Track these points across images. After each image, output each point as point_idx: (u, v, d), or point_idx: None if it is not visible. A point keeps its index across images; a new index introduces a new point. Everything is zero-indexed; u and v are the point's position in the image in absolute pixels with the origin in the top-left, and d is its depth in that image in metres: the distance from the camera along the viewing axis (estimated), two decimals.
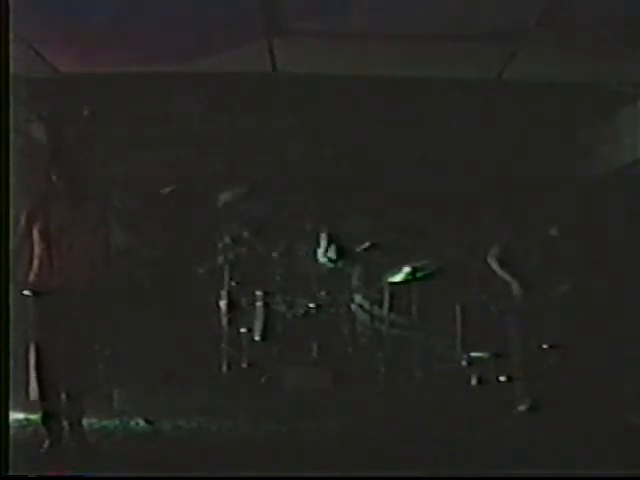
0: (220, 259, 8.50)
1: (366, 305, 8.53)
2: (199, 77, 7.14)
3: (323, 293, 8.28)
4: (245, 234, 8.72)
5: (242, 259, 8.52)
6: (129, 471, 4.84)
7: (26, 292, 5.41)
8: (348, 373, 7.80)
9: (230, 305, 8.16)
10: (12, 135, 4.72)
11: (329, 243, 8.42)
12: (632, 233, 7.40)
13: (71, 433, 5.46)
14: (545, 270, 7.06)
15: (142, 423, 6.41)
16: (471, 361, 7.67)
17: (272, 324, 8.11)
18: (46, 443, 5.36)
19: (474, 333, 7.89)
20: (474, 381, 7.53)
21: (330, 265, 8.43)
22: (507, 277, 7.12)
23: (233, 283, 8.28)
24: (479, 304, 7.86)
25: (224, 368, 7.93)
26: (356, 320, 8.41)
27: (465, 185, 8.35)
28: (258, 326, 8.07)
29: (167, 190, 8.18)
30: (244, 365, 7.96)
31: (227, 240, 8.69)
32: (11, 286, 4.65)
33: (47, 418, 5.44)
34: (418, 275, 8.07)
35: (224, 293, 8.21)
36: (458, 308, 8.09)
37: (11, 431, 4.67)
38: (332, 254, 8.40)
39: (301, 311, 8.20)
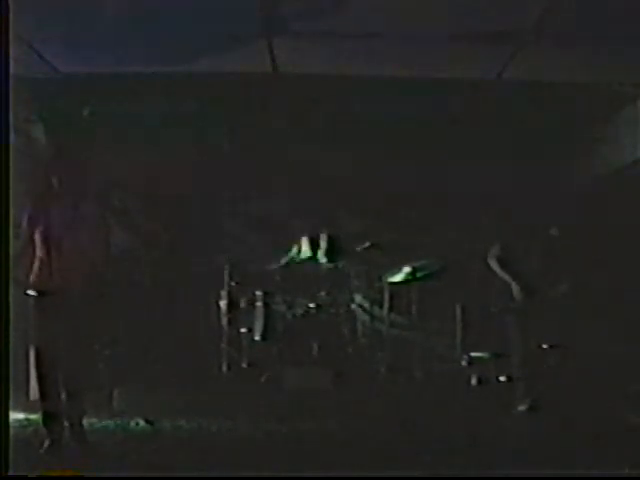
0: (220, 259, 8.51)
1: (366, 305, 8.53)
2: (199, 77, 7.14)
3: (323, 293, 8.29)
4: (245, 234, 8.74)
5: (242, 259, 8.53)
6: (129, 471, 4.84)
7: (26, 292, 5.41)
8: (348, 373, 7.79)
9: (230, 305, 8.17)
10: (12, 135, 4.72)
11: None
12: (632, 233, 7.40)
13: (71, 433, 5.45)
14: (545, 270, 7.06)
15: (142, 423, 6.41)
16: (471, 361, 7.67)
17: (272, 324, 8.11)
18: (46, 443, 5.36)
19: (474, 333, 7.90)
20: (474, 381, 7.53)
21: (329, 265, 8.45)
22: (507, 277, 7.12)
23: (233, 283, 8.28)
24: (479, 304, 7.87)
25: (224, 368, 7.94)
26: (356, 320, 8.42)
27: (465, 185, 8.36)
28: (258, 326, 8.07)
29: (167, 190, 8.19)
30: (244, 365, 7.97)
31: (227, 240, 8.71)
32: (11, 286, 4.66)
33: (47, 418, 5.43)
34: (418, 275, 8.07)
35: (224, 293, 8.22)
36: (458, 308, 8.10)
37: (11, 431, 4.68)
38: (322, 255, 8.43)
39: (301, 311, 8.20)
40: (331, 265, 8.47)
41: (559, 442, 5.73)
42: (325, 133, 8.12)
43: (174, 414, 6.54)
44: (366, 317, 8.52)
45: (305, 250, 8.40)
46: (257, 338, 8.05)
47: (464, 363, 7.73)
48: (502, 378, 7.25)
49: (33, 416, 6.03)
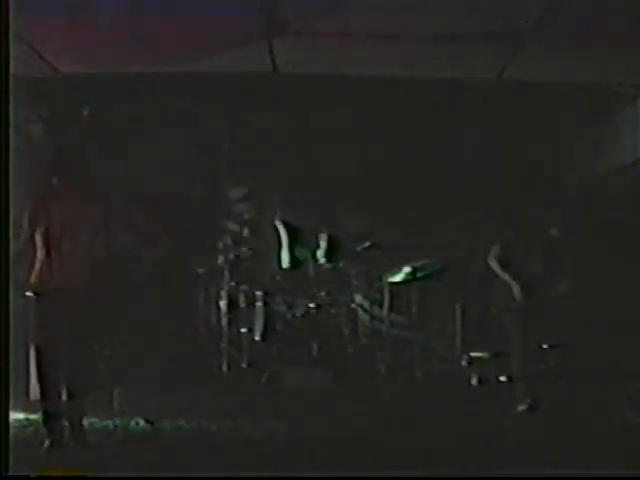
0: (220, 259, 8.51)
1: (366, 305, 8.53)
2: (199, 77, 7.14)
3: (323, 293, 8.29)
4: (245, 234, 8.74)
5: (242, 259, 8.53)
6: (129, 471, 4.84)
7: (27, 293, 5.41)
8: (348, 373, 7.80)
9: (230, 305, 8.17)
10: (12, 135, 4.72)
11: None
12: (632, 233, 7.40)
13: (71, 433, 5.45)
14: (545, 270, 7.06)
15: (142, 423, 6.41)
16: (471, 361, 7.67)
17: (272, 324, 8.11)
18: (46, 443, 5.36)
19: (474, 333, 7.90)
20: (474, 381, 7.53)
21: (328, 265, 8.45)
22: (507, 277, 7.12)
23: (233, 283, 8.28)
24: (479, 304, 7.86)
25: (224, 368, 7.93)
26: (356, 320, 8.41)
27: (465, 185, 8.36)
28: (258, 326, 8.07)
29: (167, 190, 8.19)
30: (244, 365, 7.96)
31: (227, 240, 8.71)
32: (11, 287, 4.66)
33: (47, 418, 5.43)
34: (418, 275, 8.07)
35: (224, 293, 8.21)
36: (458, 308, 8.10)
37: (11, 431, 4.68)
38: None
39: (301, 311, 8.20)
40: (331, 265, 8.47)
41: (559, 442, 5.73)
42: (325, 133, 8.12)
43: (174, 414, 6.54)
44: (366, 317, 8.52)
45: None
46: (257, 338, 8.04)
47: (464, 363, 7.72)
48: (502, 378, 7.24)
49: (33, 416, 6.03)
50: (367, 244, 8.31)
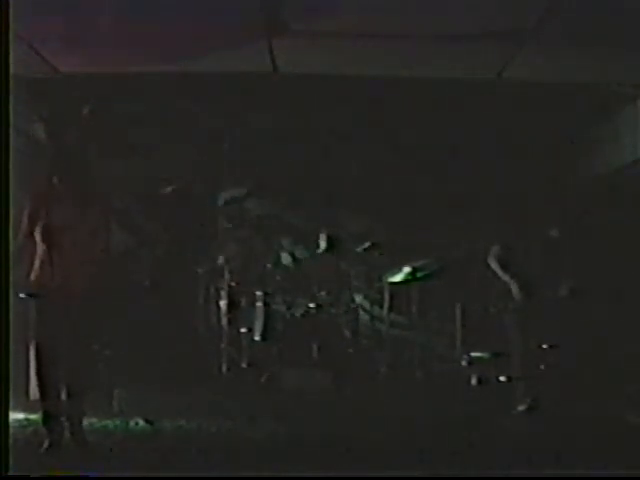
0: (220, 259, 8.51)
1: (366, 305, 8.53)
2: (199, 77, 7.14)
3: (323, 293, 8.29)
4: (245, 234, 8.74)
5: (242, 259, 8.53)
6: (129, 471, 4.84)
7: (26, 293, 5.40)
8: (348, 373, 7.79)
9: (230, 305, 8.16)
10: (12, 135, 4.72)
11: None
12: (632, 233, 7.40)
13: (71, 433, 5.45)
14: (545, 270, 7.06)
15: (142, 423, 6.41)
16: (471, 361, 7.67)
17: (272, 324, 8.10)
18: (46, 443, 5.36)
19: (474, 333, 7.90)
20: (474, 381, 7.53)
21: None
22: (507, 277, 7.12)
23: (233, 283, 8.28)
24: (479, 304, 7.86)
25: (224, 368, 7.93)
26: (356, 320, 8.41)
27: (465, 185, 8.36)
28: (258, 326, 8.06)
29: (167, 190, 8.18)
30: (244, 365, 7.96)
31: (227, 240, 8.70)
32: (11, 287, 4.66)
33: (47, 418, 5.43)
34: (418, 275, 8.07)
35: (224, 293, 8.21)
36: (458, 308, 8.10)
37: (11, 431, 4.68)
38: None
39: (301, 311, 8.20)
40: (331, 265, 8.47)
41: (559, 442, 5.73)
42: (325, 133, 8.12)
43: (174, 414, 6.54)
44: (366, 317, 8.52)
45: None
46: (257, 338, 8.04)
47: (464, 363, 7.73)
48: (502, 378, 7.24)
49: (33, 416, 6.03)
50: (367, 244, 8.32)
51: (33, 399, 6.05)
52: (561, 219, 7.23)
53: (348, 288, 8.49)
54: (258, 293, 8.19)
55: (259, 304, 8.14)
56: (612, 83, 7.33)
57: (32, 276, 5.43)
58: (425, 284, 8.18)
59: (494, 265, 7.18)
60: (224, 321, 8.13)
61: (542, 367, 6.87)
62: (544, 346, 6.89)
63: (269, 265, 8.49)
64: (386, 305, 8.32)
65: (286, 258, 8.55)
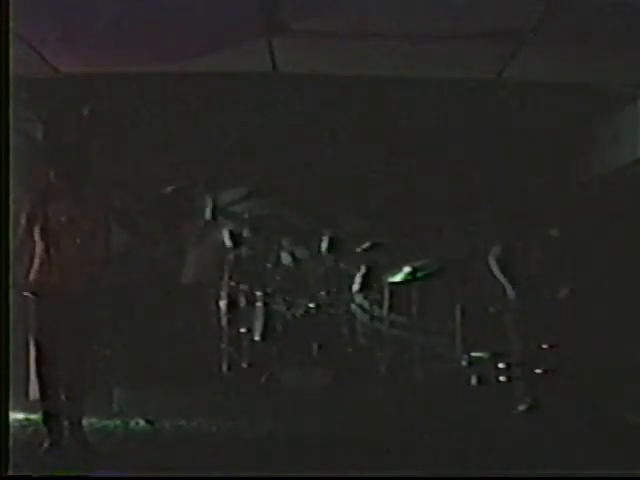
0: (220, 259, 8.50)
1: (366, 305, 8.53)
2: (199, 77, 7.14)
3: (323, 293, 8.29)
4: (245, 234, 8.73)
5: (242, 259, 8.53)
6: (129, 471, 4.84)
7: (26, 293, 5.41)
8: (348, 373, 7.79)
9: (230, 305, 8.16)
10: (12, 135, 4.72)
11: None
12: (632, 233, 7.40)
13: (71, 433, 5.45)
14: (545, 270, 7.06)
15: (142, 423, 6.41)
16: (471, 361, 7.67)
17: (272, 324, 8.10)
18: (46, 443, 5.36)
19: (474, 333, 7.89)
20: (474, 381, 7.53)
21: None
22: (506, 277, 7.12)
23: (233, 283, 8.27)
24: (479, 304, 7.86)
25: (224, 368, 7.93)
26: (356, 320, 8.41)
27: (465, 185, 8.36)
28: (258, 326, 8.07)
29: (167, 190, 8.18)
30: (244, 365, 7.96)
31: (227, 240, 8.70)
32: (11, 286, 4.66)
33: (47, 418, 5.43)
34: (418, 275, 8.07)
35: (224, 293, 8.21)
36: (458, 308, 8.10)
37: (11, 431, 4.68)
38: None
39: (301, 311, 8.20)
40: (331, 265, 8.47)
41: (559, 442, 5.73)
42: (325, 133, 8.12)
43: (174, 414, 6.54)
44: (366, 317, 8.52)
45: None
46: (257, 338, 8.04)
47: (464, 363, 7.73)
48: (502, 378, 7.25)
49: (33, 416, 6.03)
50: (367, 244, 8.31)
51: (33, 399, 6.05)
52: (561, 219, 7.23)
53: (348, 288, 8.48)
54: (258, 293, 8.19)
55: (259, 304, 8.15)
56: (612, 83, 7.33)
57: (32, 275, 5.43)
58: (425, 284, 8.18)
59: (493, 265, 7.18)
60: (224, 321, 8.13)
61: (542, 367, 6.87)
62: (544, 346, 6.90)
63: (269, 265, 8.49)
64: (386, 305, 8.32)
65: (286, 258, 8.55)
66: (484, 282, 7.55)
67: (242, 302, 8.22)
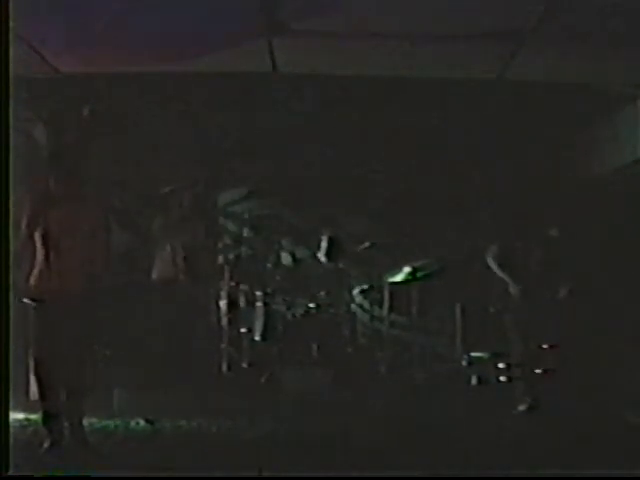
0: (220, 259, 8.51)
1: (366, 305, 8.53)
2: (199, 77, 7.14)
3: (323, 293, 8.29)
4: (245, 234, 8.74)
5: (242, 259, 8.53)
6: (129, 471, 4.84)
7: (27, 296, 5.40)
8: (348, 373, 7.79)
9: (230, 305, 8.16)
10: (12, 135, 4.72)
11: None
12: (632, 233, 7.40)
13: (71, 433, 5.45)
14: (545, 270, 7.07)
15: (142, 423, 6.41)
16: (471, 361, 7.67)
17: (272, 324, 8.11)
18: (46, 443, 5.36)
19: (474, 333, 7.90)
20: (474, 381, 7.53)
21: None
22: (506, 278, 7.13)
23: (233, 283, 8.28)
24: (479, 304, 7.87)
25: (224, 368, 7.93)
26: (356, 320, 8.41)
27: (465, 185, 8.36)
28: (258, 326, 8.07)
29: (167, 191, 8.19)
30: (244, 365, 7.96)
31: (227, 240, 8.70)
32: (12, 289, 4.66)
33: (47, 418, 5.43)
34: (418, 275, 8.07)
35: (224, 293, 8.21)
36: (458, 308, 8.10)
37: (11, 431, 4.68)
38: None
39: (301, 311, 8.20)
40: (331, 265, 8.47)
41: (559, 442, 5.73)
42: (325, 133, 8.12)
43: (174, 414, 6.54)
44: (366, 317, 8.52)
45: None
46: (257, 338, 8.04)
47: (464, 363, 7.73)
48: (502, 378, 7.25)
49: (33, 416, 6.03)
50: (367, 244, 8.32)
51: (33, 399, 6.05)
52: (561, 219, 7.24)
53: (348, 288, 8.48)
54: (258, 293, 8.19)
55: (259, 304, 8.15)
56: (612, 83, 7.33)
57: (32, 276, 5.42)
58: (425, 284, 8.18)
59: (493, 265, 7.19)
60: (224, 321, 8.13)
61: (542, 367, 6.87)
62: (544, 346, 6.90)
63: (269, 265, 8.49)
64: (386, 305, 8.32)
65: (286, 258, 8.55)
66: (484, 282, 7.56)
67: (242, 302, 8.22)
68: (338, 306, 8.31)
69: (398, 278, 8.16)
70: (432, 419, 6.57)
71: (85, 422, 5.62)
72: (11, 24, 4.58)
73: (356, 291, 8.50)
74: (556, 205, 7.42)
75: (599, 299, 7.30)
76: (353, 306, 8.44)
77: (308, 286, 8.35)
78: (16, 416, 6.07)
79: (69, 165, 5.62)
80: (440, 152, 8.23)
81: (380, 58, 6.68)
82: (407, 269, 8.06)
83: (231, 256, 8.48)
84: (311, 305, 8.17)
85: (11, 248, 4.82)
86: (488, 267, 7.24)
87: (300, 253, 8.59)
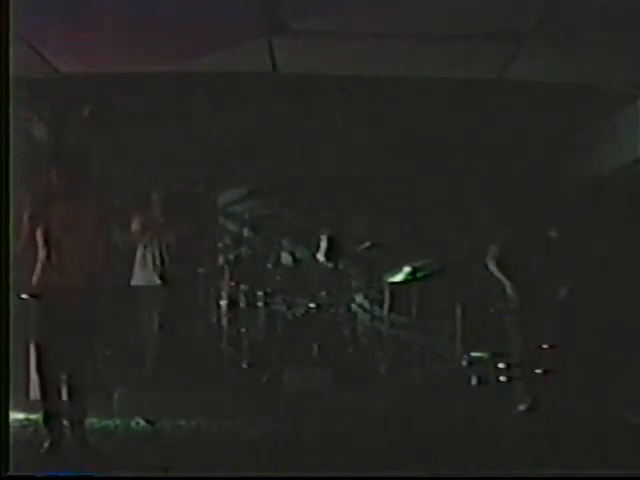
0: (220, 259, 8.51)
1: (366, 305, 8.53)
2: (199, 77, 7.14)
3: (323, 293, 8.29)
4: (245, 234, 8.74)
5: (242, 259, 8.54)
6: (129, 471, 4.84)
7: (26, 294, 5.40)
8: (348, 373, 7.79)
9: (230, 305, 8.16)
10: (12, 135, 4.72)
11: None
12: (632, 233, 7.40)
13: (71, 433, 5.45)
14: (545, 271, 7.06)
15: (142, 423, 6.41)
16: (471, 361, 7.67)
17: (272, 324, 8.11)
18: (46, 443, 5.36)
19: (474, 333, 7.90)
20: (474, 381, 7.53)
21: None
22: (505, 278, 7.12)
23: (233, 283, 8.27)
24: (479, 304, 7.87)
25: (224, 368, 7.93)
26: (356, 320, 8.42)
27: (465, 185, 8.36)
28: (258, 326, 8.07)
29: (167, 190, 8.18)
30: (244, 365, 7.96)
31: (227, 240, 8.71)
32: (12, 287, 4.66)
33: (47, 418, 5.43)
34: (418, 275, 8.07)
35: (224, 293, 8.21)
36: (458, 308, 8.10)
37: (11, 431, 4.68)
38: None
39: (301, 311, 8.20)
40: (331, 265, 8.47)
41: (559, 442, 5.73)
42: (325, 133, 8.12)
43: (174, 414, 6.54)
44: (366, 317, 8.52)
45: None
46: (257, 338, 8.04)
47: (464, 363, 7.73)
48: (502, 378, 7.25)
49: (33, 416, 6.03)
50: (367, 244, 8.32)
51: (33, 399, 6.05)
52: (561, 219, 7.24)
53: (348, 288, 8.49)
54: (258, 293, 8.19)
55: (259, 304, 8.15)
56: (612, 83, 7.33)
57: (33, 275, 5.42)
58: (425, 284, 8.18)
59: (492, 266, 7.19)
60: (224, 321, 8.13)
61: (542, 367, 6.87)
62: (544, 346, 6.90)
63: (269, 265, 8.49)
64: (386, 305, 8.33)
65: (286, 258, 8.56)
66: (484, 282, 7.56)
67: (242, 302, 8.22)
68: (338, 306, 8.31)
69: (398, 278, 8.15)
70: (432, 419, 6.56)
71: (85, 422, 5.62)
72: (11, 24, 4.58)
73: (356, 291, 8.50)
74: (556, 205, 7.42)
75: (599, 299, 7.29)
76: (353, 306, 8.45)
77: (308, 286, 8.35)
78: (16, 416, 6.07)
79: (69, 165, 5.62)
80: (440, 152, 8.22)
81: (380, 58, 6.68)
82: (407, 269, 8.05)
83: (231, 256, 8.48)
84: (311, 305, 8.17)
85: (11, 246, 4.82)
86: (487, 267, 7.24)
87: (300, 253, 8.60)
